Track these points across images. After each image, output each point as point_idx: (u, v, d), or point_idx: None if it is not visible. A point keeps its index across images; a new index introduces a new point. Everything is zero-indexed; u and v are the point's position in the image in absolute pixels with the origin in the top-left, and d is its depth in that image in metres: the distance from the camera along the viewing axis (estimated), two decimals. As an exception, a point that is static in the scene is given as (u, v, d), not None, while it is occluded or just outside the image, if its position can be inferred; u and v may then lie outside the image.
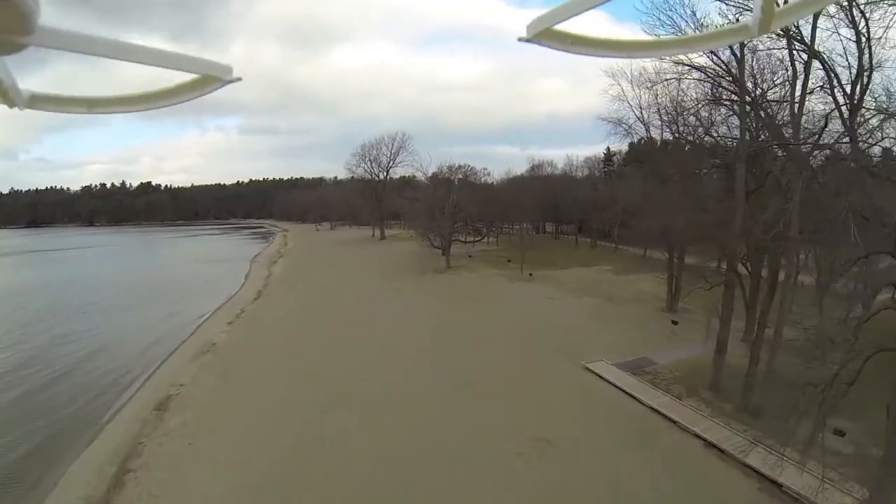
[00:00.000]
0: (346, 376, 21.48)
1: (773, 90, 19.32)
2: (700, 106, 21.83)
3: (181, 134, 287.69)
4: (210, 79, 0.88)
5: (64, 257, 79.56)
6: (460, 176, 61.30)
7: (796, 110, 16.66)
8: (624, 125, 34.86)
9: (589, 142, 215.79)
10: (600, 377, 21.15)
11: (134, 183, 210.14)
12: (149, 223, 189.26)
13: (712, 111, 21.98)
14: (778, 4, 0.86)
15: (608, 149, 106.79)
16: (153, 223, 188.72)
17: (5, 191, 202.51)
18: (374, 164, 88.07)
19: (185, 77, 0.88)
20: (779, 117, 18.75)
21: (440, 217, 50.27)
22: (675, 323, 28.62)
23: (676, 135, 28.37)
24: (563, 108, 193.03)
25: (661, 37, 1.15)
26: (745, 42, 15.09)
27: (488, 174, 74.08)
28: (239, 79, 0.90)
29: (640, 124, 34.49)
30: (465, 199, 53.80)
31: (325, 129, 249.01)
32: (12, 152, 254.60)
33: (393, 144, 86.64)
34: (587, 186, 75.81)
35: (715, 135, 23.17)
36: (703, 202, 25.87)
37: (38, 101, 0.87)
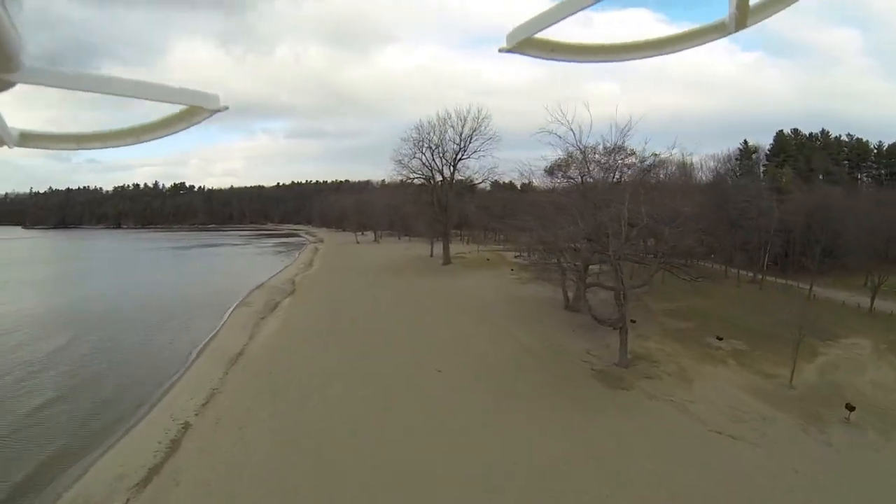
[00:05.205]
0: None
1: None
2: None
3: (229, 138, 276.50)
4: (198, 109, 0.86)
5: None
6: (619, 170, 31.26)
7: None
8: None
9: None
10: None
11: (178, 185, 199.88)
12: (178, 226, 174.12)
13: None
14: None
15: (745, 142, 75.82)
16: (182, 226, 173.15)
17: (44, 190, 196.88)
18: (434, 156, 58.53)
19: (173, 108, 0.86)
20: None
21: (615, 241, 21.99)
22: None
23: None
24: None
25: (640, 39, 0.86)
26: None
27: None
28: (226, 107, 0.88)
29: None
30: (647, 211, 25.28)
31: (374, 133, 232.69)
32: (64, 154, 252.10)
33: (463, 126, 56.48)
34: (759, 195, 46.32)
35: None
36: None
37: (28, 140, 0.87)
